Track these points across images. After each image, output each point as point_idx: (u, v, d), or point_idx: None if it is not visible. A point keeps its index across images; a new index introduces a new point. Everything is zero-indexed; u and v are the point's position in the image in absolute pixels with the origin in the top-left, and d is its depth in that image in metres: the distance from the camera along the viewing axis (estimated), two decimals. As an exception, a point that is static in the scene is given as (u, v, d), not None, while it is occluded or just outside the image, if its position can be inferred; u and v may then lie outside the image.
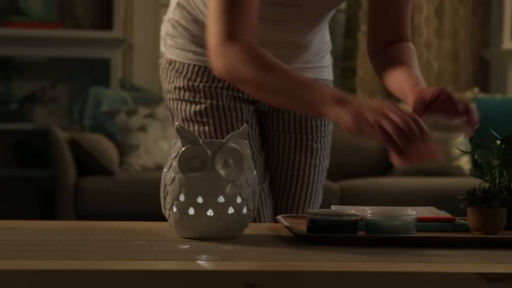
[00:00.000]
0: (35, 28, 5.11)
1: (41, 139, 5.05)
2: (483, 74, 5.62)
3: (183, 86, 1.96)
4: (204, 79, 1.94)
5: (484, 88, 5.52)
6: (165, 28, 2.02)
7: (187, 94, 1.95)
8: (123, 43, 5.27)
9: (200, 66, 1.94)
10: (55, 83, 5.31)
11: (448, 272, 1.19)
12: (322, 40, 2.03)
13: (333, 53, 2.12)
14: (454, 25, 5.54)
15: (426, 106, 1.66)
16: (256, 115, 2.01)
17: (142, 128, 4.77)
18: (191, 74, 1.95)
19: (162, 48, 2.03)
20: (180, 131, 1.45)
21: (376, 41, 1.90)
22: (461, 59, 5.56)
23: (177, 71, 1.97)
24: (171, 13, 1.99)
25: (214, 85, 1.94)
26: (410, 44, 1.90)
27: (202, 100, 1.94)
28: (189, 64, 1.95)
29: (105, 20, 5.32)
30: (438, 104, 1.66)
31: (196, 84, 1.94)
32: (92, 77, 5.32)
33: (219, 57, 1.68)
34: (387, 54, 1.86)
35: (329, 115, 1.56)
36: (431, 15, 5.51)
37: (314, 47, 2.00)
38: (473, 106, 1.63)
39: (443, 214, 1.61)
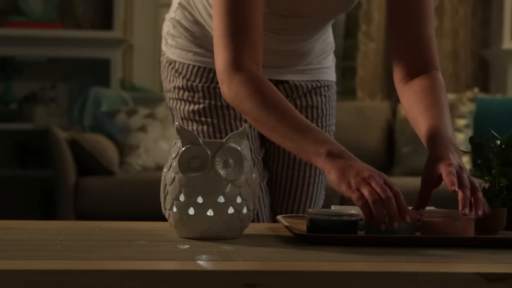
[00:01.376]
0: (35, 28, 5.11)
1: (41, 139, 5.05)
2: (483, 74, 5.62)
3: (182, 86, 1.96)
4: (203, 80, 1.94)
5: (484, 88, 5.52)
6: (167, 27, 2.02)
7: (186, 93, 1.96)
8: (123, 43, 5.27)
9: (199, 67, 1.94)
10: (55, 83, 5.31)
11: (448, 272, 1.19)
12: (325, 41, 2.02)
13: (335, 54, 2.12)
14: (454, 25, 5.54)
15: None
16: None
17: (142, 128, 4.77)
18: (190, 75, 1.95)
19: (163, 47, 2.03)
20: (180, 131, 1.45)
21: (399, 68, 1.77)
22: (461, 59, 5.56)
23: (176, 71, 1.97)
24: (173, 13, 1.99)
25: (212, 85, 1.94)
26: (438, 76, 1.76)
27: (201, 100, 1.94)
28: (188, 65, 1.95)
29: (105, 20, 5.32)
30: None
31: (195, 84, 1.95)
32: (92, 77, 5.32)
33: (225, 85, 1.69)
34: (415, 96, 1.73)
35: (319, 166, 1.54)
36: (431, 15, 5.51)
37: (316, 50, 2.00)
38: (481, 196, 1.51)
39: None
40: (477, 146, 1.61)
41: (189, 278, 1.15)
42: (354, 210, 1.49)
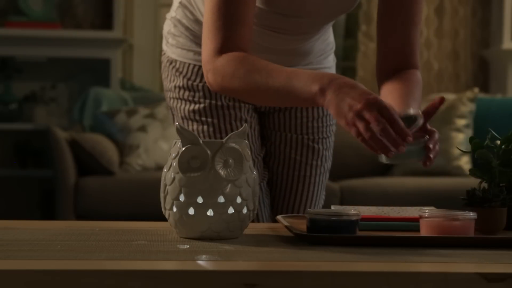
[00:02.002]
0: (35, 28, 5.11)
1: (41, 139, 5.05)
2: (483, 74, 5.62)
3: (183, 85, 1.96)
4: (204, 79, 1.94)
5: (484, 88, 5.52)
6: (167, 26, 2.02)
7: (186, 93, 1.96)
8: (123, 43, 5.27)
9: (200, 66, 1.94)
10: (55, 83, 5.32)
11: (448, 272, 1.19)
12: (325, 41, 2.03)
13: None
14: (454, 25, 5.54)
15: None
16: (257, 114, 2.01)
17: (142, 128, 4.77)
18: (191, 74, 1.95)
19: (164, 46, 2.03)
20: (180, 131, 1.45)
21: (382, 66, 1.86)
22: (461, 59, 5.56)
23: (177, 70, 1.97)
24: (174, 12, 1.99)
25: None
26: (417, 73, 1.84)
27: (201, 100, 1.94)
28: (189, 64, 1.95)
29: (105, 20, 5.32)
30: None
31: (195, 83, 1.95)
32: (92, 77, 5.32)
33: (209, 72, 1.70)
34: (391, 86, 1.81)
35: (320, 106, 1.57)
36: (431, 15, 5.51)
37: (317, 49, 2.00)
38: (437, 136, 1.58)
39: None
40: (477, 146, 1.61)
41: (189, 278, 1.15)
42: (354, 210, 1.49)
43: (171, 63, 1.99)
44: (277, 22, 1.85)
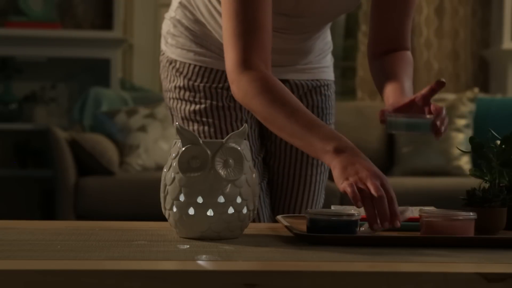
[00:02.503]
0: (35, 28, 5.11)
1: (41, 139, 5.05)
2: (483, 74, 5.62)
3: (183, 85, 1.96)
4: (204, 80, 1.94)
5: (484, 88, 5.52)
6: (167, 26, 2.02)
7: (187, 93, 1.96)
8: (123, 43, 5.27)
9: (200, 66, 1.94)
10: (55, 83, 5.32)
11: (448, 272, 1.19)
12: (324, 40, 2.03)
13: (333, 53, 2.12)
14: (454, 25, 5.54)
15: (401, 107, 1.68)
16: None
17: (142, 128, 4.77)
18: (191, 74, 1.95)
19: (163, 46, 2.03)
20: (180, 131, 1.45)
21: (375, 48, 1.90)
22: (461, 59, 5.56)
23: (177, 70, 1.97)
24: (173, 12, 1.99)
25: (214, 85, 1.94)
26: (408, 53, 1.90)
27: (202, 100, 1.94)
28: (189, 64, 1.95)
29: (105, 20, 5.32)
30: (413, 106, 1.67)
31: (196, 84, 1.95)
32: (92, 77, 5.32)
33: (234, 84, 1.71)
34: (383, 64, 1.86)
35: (326, 163, 1.57)
36: (431, 15, 5.51)
37: (316, 49, 2.00)
38: (445, 112, 1.64)
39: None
40: (477, 146, 1.61)
41: (189, 278, 1.15)
42: (354, 210, 1.49)
43: (170, 63, 1.98)
44: (280, 23, 1.85)
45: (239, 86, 1.69)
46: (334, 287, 1.16)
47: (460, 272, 1.19)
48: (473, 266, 1.27)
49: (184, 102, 1.96)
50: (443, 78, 5.31)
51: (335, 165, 1.52)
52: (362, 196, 1.45)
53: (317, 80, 2.03)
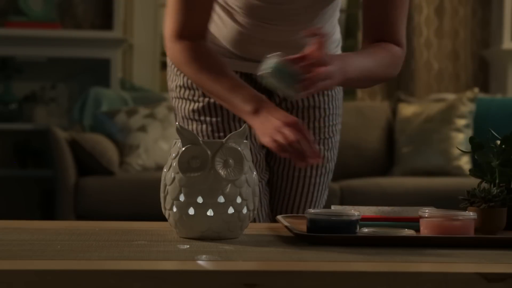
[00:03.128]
0: (35, 28, 5.11)
1: (41, 139, 5.05)
2: (483, 74, 5.62)
3: (183, 84, 1.98)
4: None
5: (484, 88, 5.52)
6: None
7: (186, 92, 1.97)
8: (123, 43, 5.27)
9: None
10: (55, 83, 5.31)
11: (448, 272, 1.19)
12: (330, 38, 2.02)
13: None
14: (454, 25, 5.54)
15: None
16: None
17: (142, 128, 4.77)
18: None
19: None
20: (180, 131, 1.45)
21: (365, 39, 1.92)
22: (461, 59, 5.56)
23: (178, 69, 1.98)
24: None
25: None
26: (394, 47, 1.89)
27: (200, 99, 1.95)
28: None
29: (105, 20, 5.32)
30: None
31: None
32: (92, 77, 5.32)
33: (168, 51, 1.90)
34: (362, 50, 1.91)
35: (248, 122, 1.76)
36: (431, 15, 5.51)
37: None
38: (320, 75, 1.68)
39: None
40: (477, 146, 1.61)
41: (189, 278, 1.15)
42: (354, 210, 1.49)
43: (173, 63, 2.00)
44: (263, 12, 1.87)
45: (172, 53, 1.88)
46: (334, 287, 1.16)
47: (460, 272, 1.19)
48: (473, 266, 1.27)
49: (184, 101, 1.98)
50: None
51: (253, 124, 1.74)
52: (281, 146, 1.66)
53: None
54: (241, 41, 1.94)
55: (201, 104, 1.95)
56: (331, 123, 2.04)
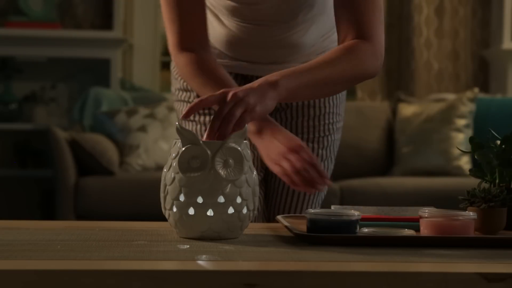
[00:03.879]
0: (35, 28, 5.11)
1: (41, 139, 5.05)
2: (483, 74, 5.62)
3: (180, 87, 2.04)
4: None
5: (484, 88, 5.52)
6: None
7: (183, 94, 2.03)
8: (123, 43, 5.27)
9: None
10: (55, 83, 5.31)
11: (448, 272, 1.19)
12: (328, 38, 2.01)
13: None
14: (454, 25, 5.54)
15: None
16: None
17: (142, 128, 4.77)
18: None
19: None
20: (180, 131, 1.45)
21: (338, 35, 1.83)
22: (461, 59, 5.56)
23: (177, 72, 2.02)
24: None
25: None
26: (363, 43, 1.78)
27: (196, 100, 1.95)
28: None
29: (105, 20, 5.32)
30: None
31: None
32: (92, 77, 5.32)
33: (174, 62, 1.92)
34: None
35: (252, 143, 1.77)
36: (431, 15, 5.51)
37: (316, 45, 1.99)
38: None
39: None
40: (477, 146, 1.61)
41: (189, 278, 1.15)
42: (354, 210, 1.49)
43: (174, 67, 2.04)
44: (244, 12, 1.89)
45: (178, 66, 1.90)
46: (334, 287, 1.16)
47: (460, 272, 1.19)
48: (473, 266, 1.27)
49: (182, 103, 2.03)
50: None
51: (257, 145, 1.76)
52: (288, 175, 1.66)
53: None
54: (230, 43, 1.96)
55: None
56: (327, 121, 2.03)
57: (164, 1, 1.88)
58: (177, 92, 2.04)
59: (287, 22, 1.92)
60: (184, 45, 1.87)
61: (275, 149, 1.69)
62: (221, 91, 1.59)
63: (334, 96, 2.05)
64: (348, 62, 1.76)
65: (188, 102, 2.00)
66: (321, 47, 2.00)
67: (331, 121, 2.04)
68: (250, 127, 1.74)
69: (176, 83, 2.04)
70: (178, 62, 1.89)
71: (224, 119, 1.53)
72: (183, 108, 2.01)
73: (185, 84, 2.01)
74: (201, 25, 1.88)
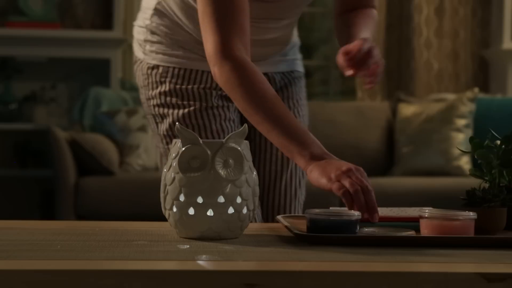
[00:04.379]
0: (35, 28, 5.11)
1: (41, 139, 5.05)
2: (483, 74, 5.62)
3: (169, 90, 1.95)
4: (191, 81, 1.94)
5: (484, 88, 5.52)
6: (142, 34, 2.00)
7: (173, 98, 1.95)
8: (123, 43, 5.27)
9: (185, 69, 1.94)
10: (55, 83, 5.31)
11: (448, 272, 1.19)
12: (295, 31, 2.08)
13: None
14: (454, 25, 5.54)
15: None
16: (239, 113, 2.00)
17: (142, 128, 4.77)
18: (177, 78, 1.94)
19: (140, 54, 2.01)
20: (180, 131, 1.45)
21: (341, 7, 1.96)
22: (461, 59, 5.56)
23: (161, 76, 1.96)
24: (148, 20, 1.98)
25: (202, 86, 1.94)
26: (372, 10, 1.97)
27: (191, 103, 1.93)
28: (173, 68, 1.95)
29: (105, 20, 5.32)
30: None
31: (183, 87, 1.94)
32: (92, 77, 5.32)
33: (216, 68, 1.73)
34: (346, 18, 1.93)
35: (300, 166, 1.62)
36: (431, 15, 5.51)
37: (290, 39, 2.04)
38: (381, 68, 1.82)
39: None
40: (477, 146, 1.61)
41: (189, 278, 1.15)
42: (353, 210, 1.49)
43: (152, 70, 1.97)
44: (257, 10, 1.87)
45: (222, 72, 1.71)
46: (334, 287, 1.16)
47: (460, 272, 1.19)
48: (473, 266, 1.27)
49: (171, 107, 1.95)
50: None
51: (312, 168, 1.58)
52: (353, 191, 1.51)
53: (291, 71, 2.06)
54: None
55: (192, 108, 1.92)
56: (301, 113, 2.06)
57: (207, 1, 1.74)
58: (163, 96, 1.94)
59: (290, 18, 1.93)
60: (232, 46, 1.71)
61: (335, 166, 1.55)
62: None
63: (303, 90, 2.10)
64: (373, 27, 1.95)
65: (181, 105, 1.92)
66: (292, 40, 2.05)
67: (304, 113, 2.07)
68: (303, 151, 1.61)
69: (161, 86, 1.94)
70: (224, 66, 1.71)
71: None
72: (173, 112, 1.94)
73: (177, 87, 1.93)
74: (248, 24, 1.75)
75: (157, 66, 1.96)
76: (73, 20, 5.32)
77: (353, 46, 1.73)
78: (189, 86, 1.94)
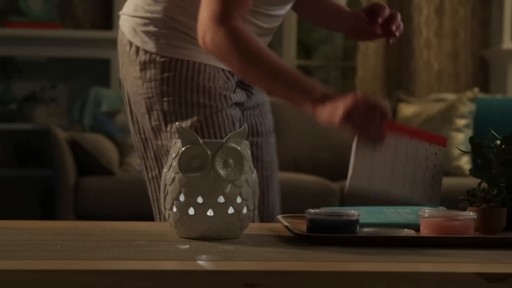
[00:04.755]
0: (35, 28, 5.11)
1: (41, 139, 5.05)
2: (483, 74, 5.62)
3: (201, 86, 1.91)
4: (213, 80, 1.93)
5: (484, 88, 5.52)
6: (156, 26, 1.92)
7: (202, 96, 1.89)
8: (123, 43, 5.26)
9: (194, 62, 1.88)
10: (55, 83, 5.31)
11: (448, 272, 1.19)
12: None
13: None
14: (454, 25, 5.54)
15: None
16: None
17: (142, 128, 4.76)
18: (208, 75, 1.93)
19: (151, 46, 1.94)
20: (180, 131, 1.45)
21: None
22: (461, 59, 5.56)
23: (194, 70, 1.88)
24: (163, 11, 1.88)
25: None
26: None
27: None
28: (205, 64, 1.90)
29: (105, 20, 5.32)
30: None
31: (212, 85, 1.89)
32: (92, 77, 5.32)
33: (207, 34, 1.71)
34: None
35: (307, 112, 1.68)
36: (431, 15, 5.51)
37: None
38: (399, 17, 1.93)
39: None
40: (477, 146, 1.61)
41: (189, 278, 1.15)
42: (353, 210, 1.50)
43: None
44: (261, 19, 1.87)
45: (215, 37, 1.70)
46: (334, 287, 1.16)
47: (460, 272, 1.19)
48: (473, 266, 1.27)
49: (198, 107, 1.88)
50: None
51: (319, 113, 1.65)
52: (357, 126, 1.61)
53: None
54: None
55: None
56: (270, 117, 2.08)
57: None
58: (152, 83, 1.86)
59: (290, 2, 1.94)
60: (230, 15, 1.70)
61: (338, 109, 1.62)
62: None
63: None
64: None
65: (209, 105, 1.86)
66: None
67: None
68: (306, 99, 1.68)
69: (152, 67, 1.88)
70: (218, 31, 1.69)
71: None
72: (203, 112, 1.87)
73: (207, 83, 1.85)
74: (250, 1, 1.75)
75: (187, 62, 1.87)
76: (73, 20, 5.32)
77: (384, 13, 1.91)
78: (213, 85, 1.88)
